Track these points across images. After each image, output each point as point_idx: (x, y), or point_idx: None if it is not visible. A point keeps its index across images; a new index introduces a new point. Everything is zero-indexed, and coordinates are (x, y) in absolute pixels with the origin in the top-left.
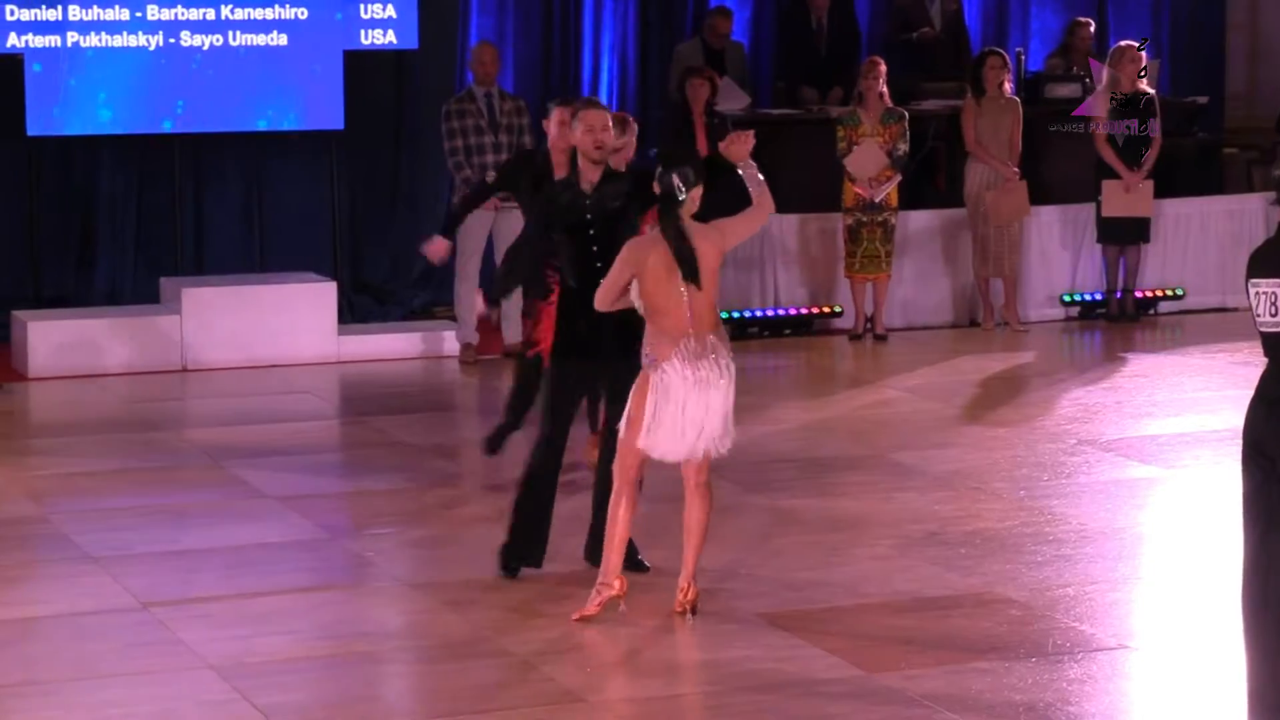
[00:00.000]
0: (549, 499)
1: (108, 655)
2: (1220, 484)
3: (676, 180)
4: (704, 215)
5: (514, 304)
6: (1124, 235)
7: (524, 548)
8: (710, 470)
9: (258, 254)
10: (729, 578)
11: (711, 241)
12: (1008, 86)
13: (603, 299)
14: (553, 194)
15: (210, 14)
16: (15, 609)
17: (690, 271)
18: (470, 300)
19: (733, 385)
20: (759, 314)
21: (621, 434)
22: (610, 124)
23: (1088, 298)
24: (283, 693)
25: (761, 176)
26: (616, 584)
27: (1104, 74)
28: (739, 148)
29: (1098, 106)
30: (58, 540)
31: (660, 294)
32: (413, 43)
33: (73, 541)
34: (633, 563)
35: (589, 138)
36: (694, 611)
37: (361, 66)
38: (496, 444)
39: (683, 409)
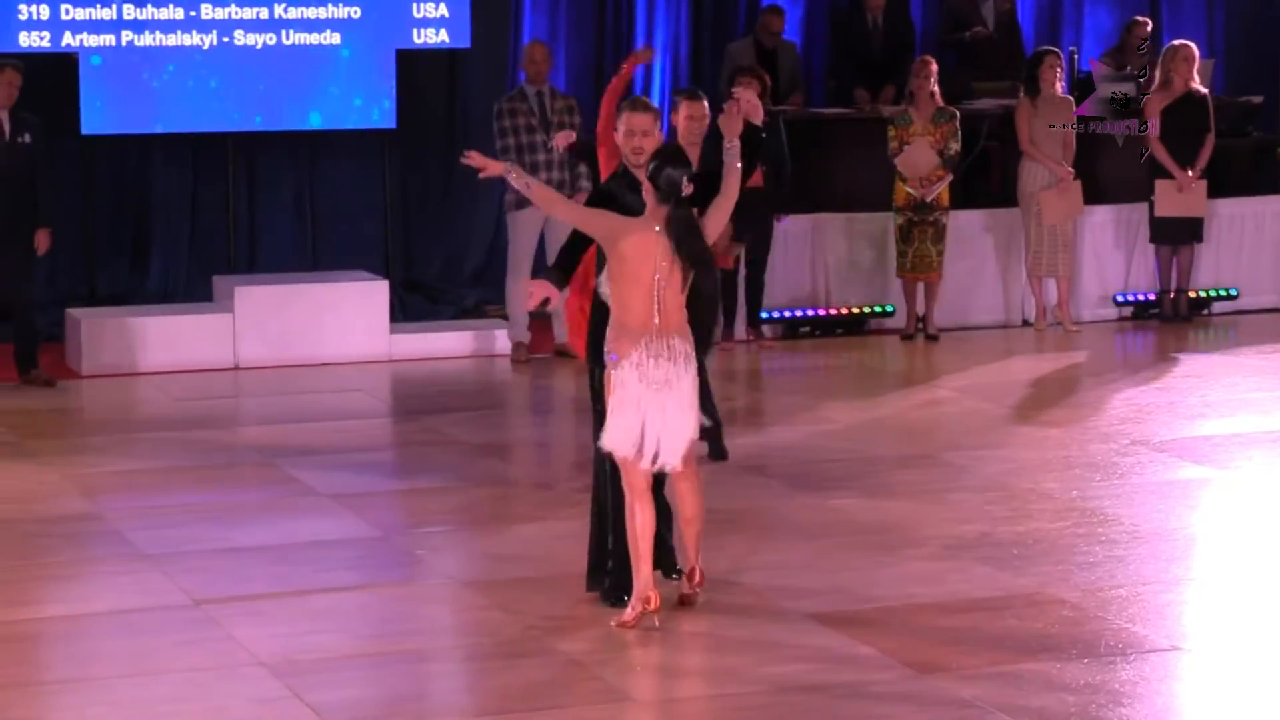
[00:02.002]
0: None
1: (159, 652)
2: (1275, 485)
3: (680, 175)
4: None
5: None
6: (1177, 235)
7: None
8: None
9: (310, 252)
10: (779, 577)
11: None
12: (1059, 85)
13: (568, 214)
14: (611, 191)
15: (264, 13)
16: (68, 606)
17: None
18: (522, 299)
19: (693, 376)
20: (810, 314)
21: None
22: (654, 128)
23: (1141, 298)
24: (334, 690)
25: (735, 163)
26: (653, 597)
27: (1155, 73)
28: (734, 123)
29: (1151, 106)
30: (111, 538)
31: (630, 287)
32: (465, 41)
33: (125, 539)
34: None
35: (628, 142)
36: (692, 603)
37: (414, 65)
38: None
39: (639, 410)
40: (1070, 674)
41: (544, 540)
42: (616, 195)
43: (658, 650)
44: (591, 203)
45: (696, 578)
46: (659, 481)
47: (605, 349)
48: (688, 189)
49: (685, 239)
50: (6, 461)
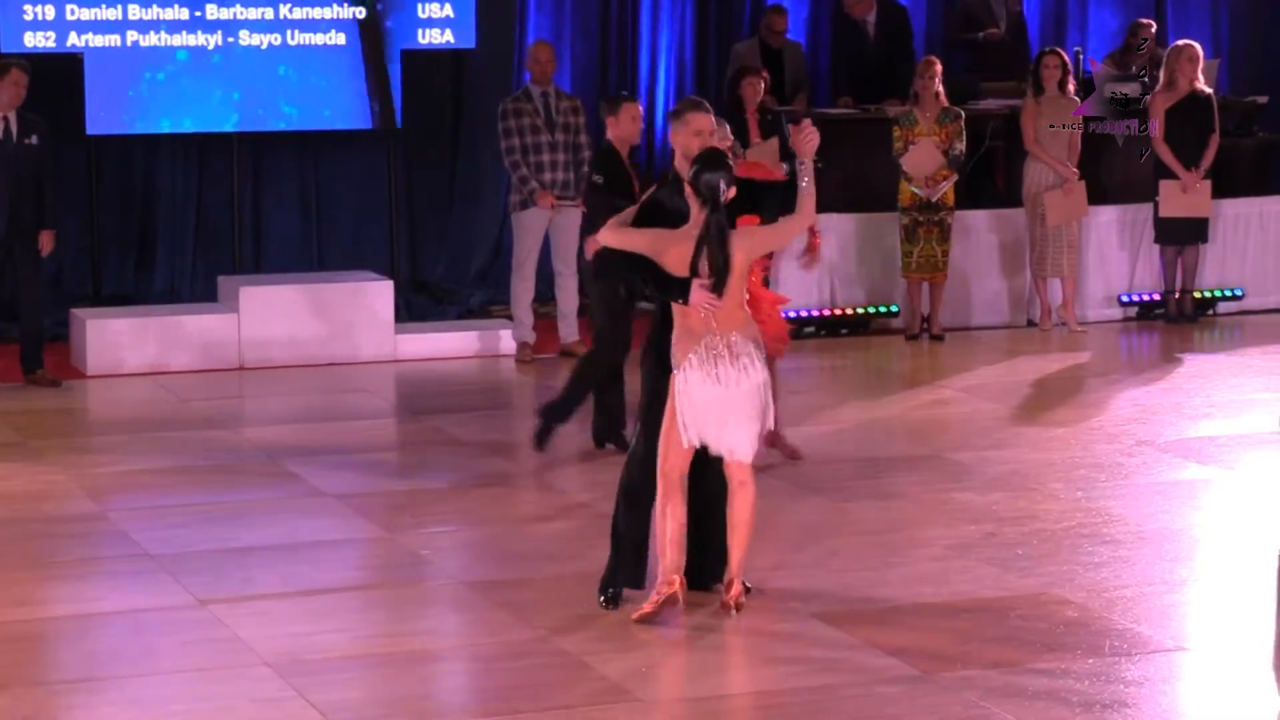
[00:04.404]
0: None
1: (166, 652)
2: None
3: (720, 182)
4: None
5: (569, 303)
6: (1182, 235)
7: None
8: (753, 469)
9: (315, 253)
10: (786, 577)
11: (741, 247)
12: (1070, 86)
13: (611, 238)
14: (659, 200)
15: (269, 13)
16: (75, 606)
17: (721, 282)
18: (527, 299)
19: (761, 380)
20: (816, 313)
21: (661, 439)
22: (715, 127)
23: (1146, 298)
24: (339, 690)
25: (809, 185)
26: (676, 580)
27: (1160, 73)
28: (808, 143)
29: (1155, 106)
30: (117, 538)
31: None
32: (470, 42)
33: (131, 539)
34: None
35: (697, 141)
36: (738, 609)
37: (419, 66)
38: (545, 440)
39: (706, 408)
40: (1075, 674)
41: (548, 540)
42: (664, 202)
43: (663, 650)
44: (642, 212)
45: (734, 589)
46: (711, 487)
47: (672, 353)
48: (728, 194)
49: (714, 247)
50: (12, 462)
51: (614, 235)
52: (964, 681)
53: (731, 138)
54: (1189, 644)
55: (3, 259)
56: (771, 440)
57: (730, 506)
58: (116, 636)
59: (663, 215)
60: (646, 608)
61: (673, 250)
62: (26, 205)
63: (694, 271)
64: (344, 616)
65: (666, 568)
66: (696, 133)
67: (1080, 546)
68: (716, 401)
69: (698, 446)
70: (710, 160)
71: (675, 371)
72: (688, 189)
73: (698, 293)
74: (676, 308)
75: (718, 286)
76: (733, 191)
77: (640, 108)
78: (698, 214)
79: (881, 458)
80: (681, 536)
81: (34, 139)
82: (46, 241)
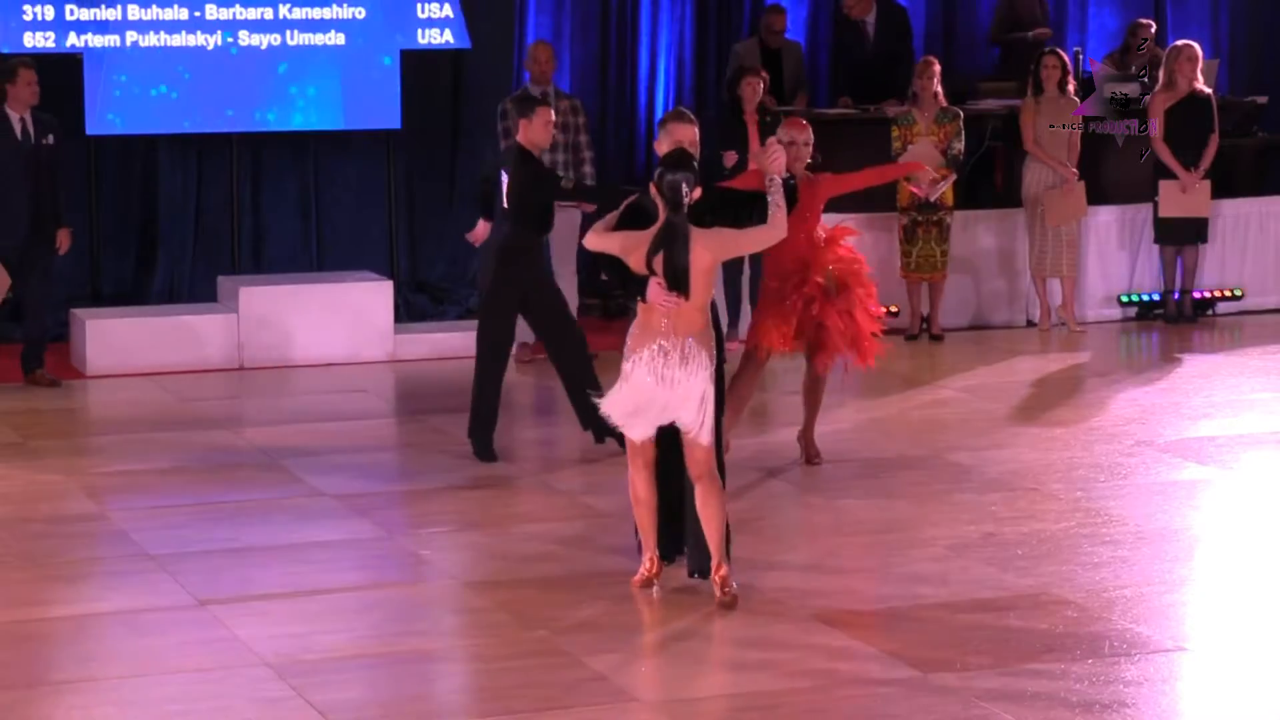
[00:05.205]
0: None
1: (165, 652)
2: (1279, 485)
3: (683, 184)
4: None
5: (569, 302)
6: (1181, 236)
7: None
8: (713, 460)
9: (315, 253)
10: (784, 577)
11: (708, 248)
12: (1070, 86)
13: (591, 241)
14: (642, 206)
15: (268, 13)
16: (74, 606)
17: (676, 283)
18: None
19: (704, 378)
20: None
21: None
22: (697, 138)
23: (1145, 298)
24: (339, 690)
25: (782, 200)
26: (650, 564)
27: (1159, 74)
28: (774, 162)
29: (1155, 106)
30: (116, 538)
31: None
32: (469, 42)
33: (131, 539)
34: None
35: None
36: (726, 591)
37: (418, 66)
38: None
39: (643, 397)
40: (1074, 674)
41: (547, 541)
42: (646, 206)
43: (662, 650)
44: (624, 217)
45: (721, 570)
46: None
47: (627, 343)
48: (692, 195)
49: (669, 250)
50: (12, 462)
51: (593, 238)
52: (964, 681)
53: (811, 141)
54: (1188, 644)
55: (18, 259)
56: (799, 437)
57: (698, 503)
58: (115, 637)
59: (644, 219)
60: (635, 579)
61: (637, 251)
62: (44, 206)
63: (650, 270)
64: (343, 617)
65: (647, 547)
66: (676, 143)
67: (1080, 546)
68: (657, 400)
69: (637, 438)
70: (675, 161)
71: (624, 359)
72: (653, 189)
73: (655, 291)
74: (640, 304)
75: (678, 286)
76: (698, 192)
77: (553, 113)
78: (663, 214)
79: (881, 458)
80: (650, 506)
81: (50, 139)
82: (64, 240)
